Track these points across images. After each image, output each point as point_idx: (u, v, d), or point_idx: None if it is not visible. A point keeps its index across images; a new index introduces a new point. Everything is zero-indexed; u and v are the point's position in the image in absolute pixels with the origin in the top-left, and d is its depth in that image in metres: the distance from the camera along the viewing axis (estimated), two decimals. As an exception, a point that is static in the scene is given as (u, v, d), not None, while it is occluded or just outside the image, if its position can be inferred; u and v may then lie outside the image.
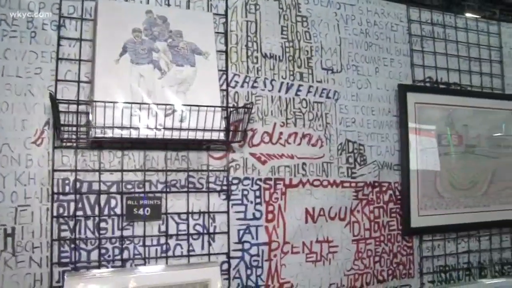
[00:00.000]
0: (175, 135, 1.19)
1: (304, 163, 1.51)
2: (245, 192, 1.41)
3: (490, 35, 1.97)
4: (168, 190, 1.33)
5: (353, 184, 1.59)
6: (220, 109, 1.25)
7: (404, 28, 1.78)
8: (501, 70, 1.96)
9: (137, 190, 1.30)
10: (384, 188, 1.65)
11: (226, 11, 1.47)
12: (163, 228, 1.31)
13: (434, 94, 1.78)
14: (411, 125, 1.70)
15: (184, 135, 1.21)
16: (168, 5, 1.39)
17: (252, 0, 1.52)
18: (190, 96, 1.25)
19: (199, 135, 1.23)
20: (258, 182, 1.44)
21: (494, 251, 1.87)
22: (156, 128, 1.17)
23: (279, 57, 1.52)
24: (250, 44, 1.48)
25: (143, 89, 1.21)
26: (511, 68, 1.99)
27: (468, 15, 1.93)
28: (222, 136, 1.24)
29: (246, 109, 1.27)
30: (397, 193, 1.68)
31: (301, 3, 1.59)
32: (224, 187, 1.39)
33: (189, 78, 1.27)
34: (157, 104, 1.17)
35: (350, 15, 1.67)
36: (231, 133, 1.34)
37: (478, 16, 1.95)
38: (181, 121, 1.20)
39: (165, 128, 1.17)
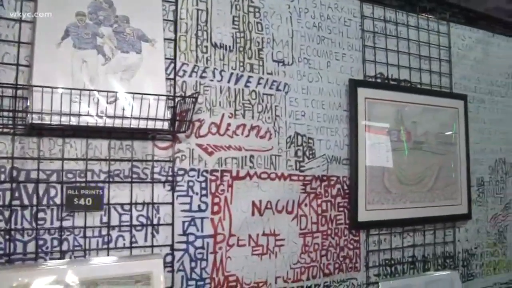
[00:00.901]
0: (118, 123, 1.19)
1: (252, 155, 1.55)
2: (191, 184, 1.44)
3: (440, 35, 2.07)
4: (111, 180, 1.33)
5: (301, 178, 1.64)
6: (165, 98, 1.27)
7: (357, 23, 1.84)
8: (449, 69, 2.07)
9: (78, 179, 1.29)
10: (332, 182, 1.72)
11: (176, -2, 1.47)
12: (105, 219, 1.31)
13: (385, 90, 1.86)
14: (361, 120, 1.76)
15: (128, 123, 1.21)
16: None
17: (204, -12, 1.53)
18: (134, 84, 1.26)
19: (144, 124, 1.24)
20: (205, 173, 1.46)
21: (438, 245, 1.98)
22: (97, 116, 1.17)
23: (229, 47, 1.54)
24: (200, 33, 1.50)
25: (85, 75, 1.21)
26: (458, 68, 2.11)
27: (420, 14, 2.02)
28: (166, 125, 1.26)
29: (192, 99, 1.29)
30: (345, 187, 1.75)
31: (254, -7, 1.63)
32: (169, 178, 1.41)
33: (134, 66, 1.28)
34: (99, 91, 1.17)
35: (303, 8, 1.72)
36: (177, 123, 1.36)
37: (431, 16, 2.04)
38: (124, 109, 1.20)
39: (107, 116, 1.18)
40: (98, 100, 1.19)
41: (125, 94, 1.22)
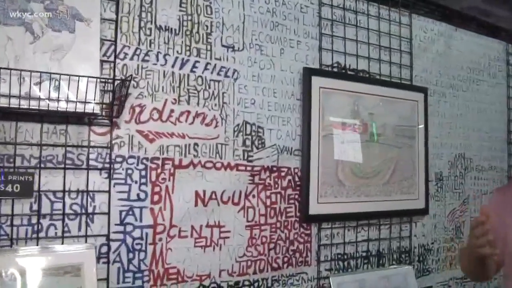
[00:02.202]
0: (45, 105, 1.16)
1: (196, 144, 1.52)
2: (130, 171, 1.41)
3: (402, 26, 2.07)
4: (42, 166, 1.29)
5: (249, 168, 1.62)
6: (98, 80, 1.23)
7: (314, 10, 1.83)
8: (410, 61, 2.08)
9: (6, 164, 1.25)
10: (283, 174, 1.70)
11: (119, -24, 1.44)
12: (35, 206, 1.28)
13: (341, 79, 1.85)
14: (314, 110, 1.75)
15: (59, 106, 1.18)
16: (53, -35, 1.34)
17: (149, -32, 1.50)
18: (65, 65, 1.22)
19: (79, 108, 1.21)
20: (145, 161, 1.43)
21: (393, 240, 1.99)
22: (21, 97, 1.13)
23: (175, 30, 1.51)
24: (144, 15, 1.46)
25: (10, 53, 1.16)
26: (419, 61, 2.11)
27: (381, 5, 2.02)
28: (98, 109, 1.22)
29: (126, 82, 1.25)
30: (297, 179, 1.73)
31: (204, -25, 1.60)
32: (106, 165, 1.37)
33: (66, 45, 1.24)
34: (22, 70, 1.13)
35: (257, -8, 1.70)
36: (115, 107, 1.33)
37: (393, 8, 2.04)
38: (50, 91, 1.16)
39: (31, 98, 1.14)
40: (23, 80, 1.15)
41: (54, 75, 1.18)
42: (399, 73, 2.04)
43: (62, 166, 1.32)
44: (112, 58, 1.39)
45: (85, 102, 1.20)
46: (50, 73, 1.15)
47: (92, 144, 1.36)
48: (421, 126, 2.06)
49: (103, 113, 1.32)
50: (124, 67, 1.42)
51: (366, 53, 1.96)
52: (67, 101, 1.18)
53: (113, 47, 1.40)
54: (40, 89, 1.15)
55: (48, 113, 1.22)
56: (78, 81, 1.18)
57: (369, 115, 1.92)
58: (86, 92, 1.19)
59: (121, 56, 1.41)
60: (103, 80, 1.32)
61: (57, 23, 1.25)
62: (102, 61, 1.37)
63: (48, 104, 1.16)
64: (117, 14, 1.42)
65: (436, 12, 2.22)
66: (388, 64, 2.01)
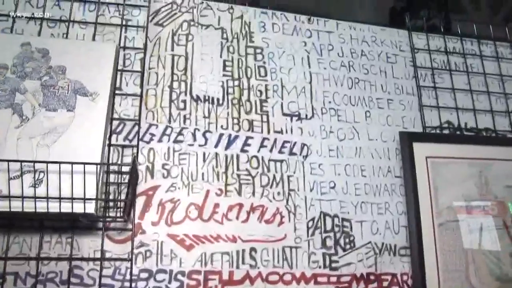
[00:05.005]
0: (17, 206, 0.87)
1: (253, 248, 1.13)
2: (159, 293, 1.05)
3: (532, 65, 1.59)
4: (41, 287, 0.99)
5: (333, 279, 1.18)
6: (97, 169, 0.93)
7: (406, 58, 1.45)
8: (552, 110, 1.56)
9: (-5, 289, 0.97)
10: (385, 283, 1.23)
11: (145, 44, 1.20)
12: None
13: (456, 144, 1.39)
14: (422, 188, 1.30)
15: (40, 206, 0.89)
16: (66, 37, 1.15)
17: (183, 30, 1.25)
18: (55, 151, 0.95)
19: (66, 207, 0.91)
20: (180, 276, 1.06)
21: None
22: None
23: (218, 100, 1.21)
24: (175, 85, 1.19)
25: (-13, 141, 0.92)
26: None
27: (497, 42, 1.58)
28: (92, 209, 0.90)
29: (129, 170, 0.94)
30: (408, 290, 1.25)
31: (255, 31, 1.31)
32: (127, 284, 1.03)
33: (61, 127, 0.98)
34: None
35: (326, 44, 1.37)
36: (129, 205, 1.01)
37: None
38: (32, 186, 0.88)
39: (2, 197, 0.86)
40: (-4, 174, 0.88)
41: (39, 165, 0.90)
42: (539, 127, 1.54)
43: (66, 286, 1.00)
44: (135, 142, 1.11)
45: (72, 199, 0.89)
46: (21, 161, 0.87)
47: (107, 255, 1.04)
48: None
49: (117, 213, 1.01)
50: (151, 152, 1.12)
51: (487, 106, 1.49)
52: (47, 199, 0.88)
53: (136, 128, 1.12)
54: (8, 186, 0.87)
55: (23, 216, 0.93)
56: (72, 172, 0.88)
57: (505, 189, 1.41)
58: (72, 187, 0.88)
59: (146, 138, 1.13)
60: (95, 166, 1.00)
61: (53, 101, 1.00)
62: (123, 146, 1.10)
63: (23, 204, 0.86)
64: (141, 87, 1.16)
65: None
66: (521, 117, 1.52)
